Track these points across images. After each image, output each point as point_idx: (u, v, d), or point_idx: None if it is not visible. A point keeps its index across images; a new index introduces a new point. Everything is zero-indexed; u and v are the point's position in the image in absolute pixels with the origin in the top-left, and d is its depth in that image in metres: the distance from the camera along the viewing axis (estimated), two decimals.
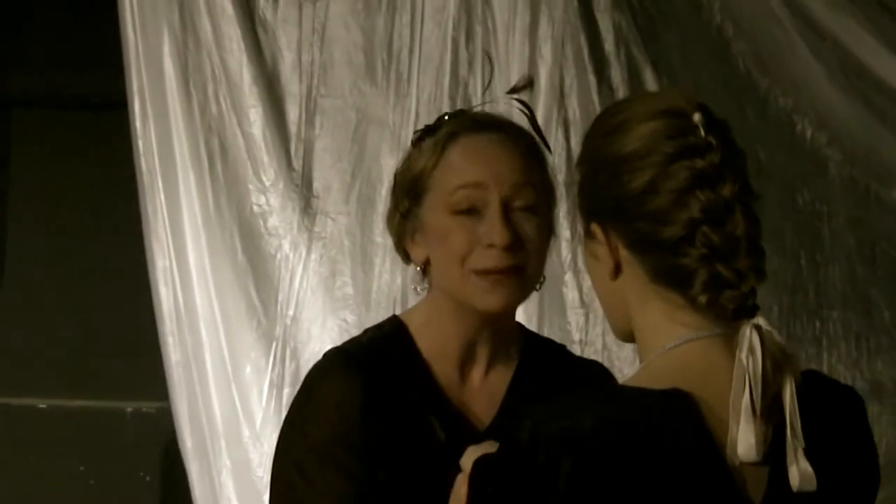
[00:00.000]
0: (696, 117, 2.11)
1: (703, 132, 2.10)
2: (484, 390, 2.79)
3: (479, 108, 2.96)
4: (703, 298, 2.09)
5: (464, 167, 2.71)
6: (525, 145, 2.76)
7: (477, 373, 2.79)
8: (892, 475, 4.31)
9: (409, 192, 2.76)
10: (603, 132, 2.17)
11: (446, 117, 2.82)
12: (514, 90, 2.86)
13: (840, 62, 4.60)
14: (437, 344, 2.78)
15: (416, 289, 2.83)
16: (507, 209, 2.68)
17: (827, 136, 4.66)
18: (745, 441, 2.03)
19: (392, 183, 2.82)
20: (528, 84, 3.06)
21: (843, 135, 4.64)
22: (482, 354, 2.79)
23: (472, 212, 2.69)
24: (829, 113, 4.64)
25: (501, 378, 2.79)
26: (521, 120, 2.87)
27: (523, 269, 2.70)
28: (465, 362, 2.79)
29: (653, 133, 2.11)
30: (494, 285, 2.69)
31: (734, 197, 2.09)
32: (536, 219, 2.72)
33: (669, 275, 2.12)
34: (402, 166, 2.81)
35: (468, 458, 2.26)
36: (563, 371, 2.84)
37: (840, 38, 4.59)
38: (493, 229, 2.66)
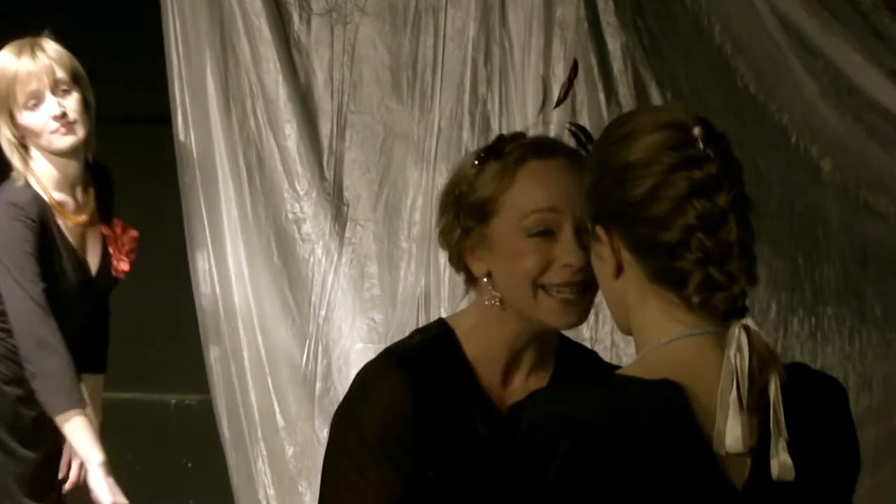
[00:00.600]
0: (696, 131, 2.12)
1: (701, 145, 2.11)
2: (524, 393, 2.61)
3: (531, 132, 2.89)
4: (696, 299, 2.09)
5: (536, 192, 2.66)
6: (578, 170, 2.67)
7: (518, 377, 2.77)
8: (879, 464, 4.37)
9: (475, 212, 2.71)
10: (610, 141, 2.17)
11: (506, 140, 2.77)
12: (560, 100, 2.89)
13: (832, 80, 4.57)
14: (482, 348, 2.75)
15: (487, 300, 2.73)
16: (578, 231, 2.64)
17: (820, 147, 4.64)
18: (732, 433, 2.04)
19: (445, 199, 2.76)
20: (571, 77, 3.04)
21: (835, 147, 4.63)
22: (526, 361, 2.76)
23: (545, 234, 2.65)
24: (822, 127, 4.62)
25: (540, 381, 2.77)
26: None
27: (591, 290, 2.66)
28: (509, 367, 2.76)
29: (656, 144, 2.12)
30: (567, 304, 2.66)
31: (729, 206, 2.10)
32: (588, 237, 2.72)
33: (667, 276, 2.12)
34: (464, 186, 2.74)
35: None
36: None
37: (832, 57, 4.56)
38: (568, 251, 2.63)
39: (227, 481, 4.86)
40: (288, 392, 4.84)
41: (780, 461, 2.05)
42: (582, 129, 2.74)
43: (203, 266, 4.87)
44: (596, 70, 4.73)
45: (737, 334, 2.06)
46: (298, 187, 4.88)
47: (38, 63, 4.15)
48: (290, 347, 4.86)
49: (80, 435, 4.17)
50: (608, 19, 4.77)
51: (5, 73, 4.16)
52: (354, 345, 4.82)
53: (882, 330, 4.63)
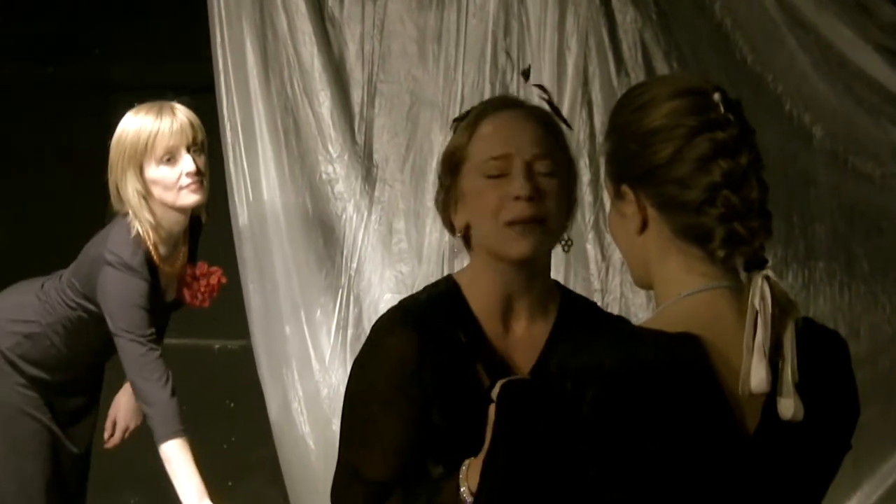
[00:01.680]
0: (716, 96, 2.11)
1: (722, 109, 2.10)
2: (526, 341, 2.77)
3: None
4: (721, 252, 2.08)
5: (493, 140, 2.71)
6: (542, 121, 2.76)
7: (519, 326, 2.77)
8: (866, 405, 4.43)
9: (449, 167, 2.76)
10: (632, 108, 2.15)
11: (473, 107, 2.84)
12: (525, 74, 2.96)
13: (823, 53, 4.60)
14: (482, 300, 2.76)
15: (454, 250, 2.84)
16: (530, 170, 2.68)
17: (812, 115, 4.67)
18: (757, 375, 2.03)
19: (439, 172, 2.83)
20: (525, 73, 3.16)
21: (825, 115, 4.65)
22: (521, 308, 2.76)
23: (501, 176, 2.69)
24: (814, 96, 4.64)
25: (541, 331, 2.77)
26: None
27: (545, 220, 2.69)
28: (507, 316, 2.76)
29: (678, 109, 2.10)
30: (522, 234, 2.67)
31: (749, 165, 2.09)
32: (555, 180, 2.71)
33: (691, 232, 2.10)
34: (444, 150, 2.81)
35: (496, 388, 2.35)
36: (594, 325, 2.80)
37: (823, 32, 4.58)
38: (517, 184, 2.66)
39: (266, 420, 4.86)
40: (322, 338, 4.83)
41: (792, 401, 2.05)
42: (542, 87, 2.88)
43: (244, 221, 4.85)
44: (607, 42, 4.74)
45: (759, 284, 2.05)
46: (332, 150, 4.87)
47: (178, 121, 4.09)
48: (325, 297, 4.85)
49: (179, 463, 4.13)
50: None
51: (144, 127, 4.07)
52: (383, 295, 4.82)
53: (868, 283, 4.65)
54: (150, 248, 4.10)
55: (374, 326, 2.79)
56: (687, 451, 2.05)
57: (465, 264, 2.83)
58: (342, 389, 4.58)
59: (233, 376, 5.38)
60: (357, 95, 4.89)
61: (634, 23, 4.76)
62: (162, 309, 4.22)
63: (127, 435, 4.38)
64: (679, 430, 2.04)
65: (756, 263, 2.07)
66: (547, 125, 2.75)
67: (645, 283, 2.20)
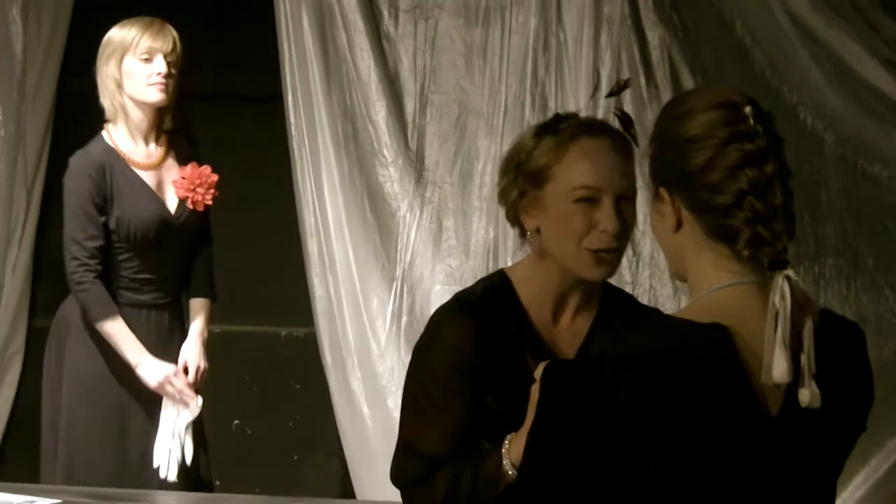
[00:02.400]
0: (747, 109, 2.08)
1: (752, 121, 2.07)
2: (571, 331, 2.75)
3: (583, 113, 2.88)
4: (745, 252, 2.06)
5: (584, 168, 2.64)
6: (626, 151, 2.69)
7: (566, 317, 2.75)
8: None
9: (531, 177, 2.69)
10: (672, 118, 2.13)
11: (561, 118, 2.72)
12: (612, 93, 2.74)
13: (834, 66, 4.60)
14: (535, 294, 2.73)
15: (534, 251, 2.74)
16: (617, 202, 2.63)
17: (823, 123, 4.67)
18: (778, 366, 2.01)
19: (505, 165, 2.74)
20: (624, 86, 3.08)
21: (836, 122, 4.65)
22: (571, 304, 2.74)
23: (589, 200, 2.64)
24: (825, 106, 4.64)
25: (585, 321, 2.75)
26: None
27: (622, 249, 2.68)
28: (557, 309, 2.74)
29: (712, 121, 2.08)
30: (600, 262, 2.65)
31: (774, 174, 2.06)
32: (630, 205, 2.67)
33: (720, 232, 2.08)
34: (523, 155, 2.71)
35: (539, 368, 2.35)
36: (631, 316, 2.75)
37: (834, 47, 4.59)
38: (606, 219, 2.62)
39: (328, 400, 4.97)
40: (378, 325, 4.92)
41: (810, 390, 2.03)
42: (626, 114, 2.72)
43: (309, 220, 4.94)
44: (637, 58, 4.78)
45: (780, 283, 2.04)
46: (387, 155, 4.96)
47: (164, 33, 4.26)
48: (381, 288, 4.94)
49: (118, 334, 4.23)
50: (647, 15, 4.80)
51: (133, 28, 4.25)
52: (434, 286, 4.90)
53: (873, 277, 4.65)
54: (115, 145, 4.26)
55: (433, 316, 2.78)
56: (712, 431, 2.04)
57: (509, 259, 2.89)
58: (397, 372, 4.77)
59: (299, 361, 5.36)
60: (410, 105, 4.98)
61: (662, 40, 4.78)
62: (167, 215, 4.30)
63: (201, 376, 4.39)
64: (706, 412, 2.03)
65: (778, 263, 2.06)
66: (628, 154, 2.70)
67: (680, 276, 2.18)
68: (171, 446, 4.29)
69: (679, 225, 2.12)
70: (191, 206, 4.35)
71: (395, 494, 2.96)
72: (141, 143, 4.31)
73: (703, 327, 2.04)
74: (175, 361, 4.33)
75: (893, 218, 4.68)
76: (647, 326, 2.15)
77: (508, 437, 2.61)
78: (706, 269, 2.11)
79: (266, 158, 5.38)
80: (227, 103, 5.50)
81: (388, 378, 4.87)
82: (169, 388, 4.27)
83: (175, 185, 4.34)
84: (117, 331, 4.25)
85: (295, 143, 4.98)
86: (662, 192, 2.13)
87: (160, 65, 4.22)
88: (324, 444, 5.27)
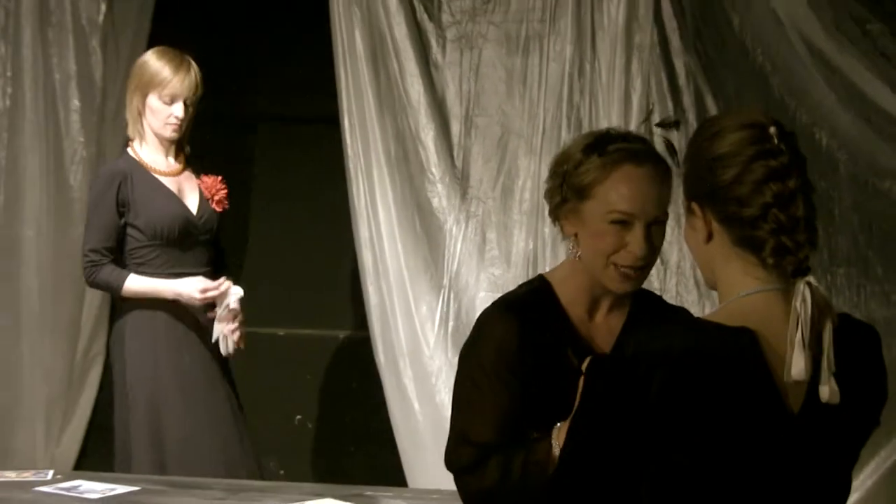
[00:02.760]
0: (772, 129, 2.12)
1: (776, 140, 2.11)
2: (605, 328, 2.78)
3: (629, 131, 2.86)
4: (770, 260, 2.10)
5: (623, 194, 2.65)
6: (664, 175, 2.70)
7: (600, 316, 2.79)
8: None
9: (576, 190, 2.71)
10: (704, 138, 2.17)
11: (612, 138, 2.73)
12: (661, 125, 2.83)
13: (847, 90, 4.61)
14: (572, 295, 2.77)
15: (571, 248, 2.75)
16: (648, 228, 2.66)
17: (837, 143, 4.70)
18: (797, 365, 2.05)
19: (554, 168, 2.75)
20: (674, 124, 2.97)
21: (849, 143, 4.68)
22: (605, 303, 2.78)
23: (623, 223, 2.66)
24: (839, 127, 4.67)
25: (618, 320, 2.79)
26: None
27: (649, 267, 2.72)
28: (592, 309, 2.78)
29: (740, 140, 2.11)
30: (625, 278, 2.69)
31: (797, 188, 2.10)
32: (661, 229, 2.69)
33: (747, 242, 2.11)
34: (569, 166, 2.72)
35: (585, 362, 2.45)
36: (661, 315, 2.83)
37: (846, 73, 4.60)
38: (637, 243, 2.65)
39: (382, 397, 5.02)
40: (427, 329, 4.97)
41: (830, 387, 2.07)
42: (671, 143, 2.84)
43: (364, 233, 5.00)
44: (665, 83, 4.81)
45: (802, 289, 2.07)
46: (435, 173, 5.01)
47: (189, 78, 4.43)
48: (430, 295, 4.98)
49: (141, 282, 4.39)
50: (674, 44, 4.83)
51: (162, 72, 4.43)
52: (478, 293, 4.94)
53: (882, 284, 4.70)
54: (138, 157, 4.46)
55: (480, 316, 2.80)
56: (739, 426, 2.07)
57: (547, 268, 2.90)
58: (444, 371, 4.84)
59: (355, 361, 5.41)
60: (456, 127, 5.02)
61: (688, 67, 4.81)
62: (190, 216, 4.46)
63: (237, 332, 4.46)
64: (732, 408, 2.06)
65: (800, 271, 2.09)
66: (667, 181, 2.70)
67: (711, 284, 2.20)
68: (224, 327, 4.42)
69: (710, 237, 2.16)
70: (213, 206, 4.53)
71: (443, 483, 3.11)
72: (161, 155, 4.51)
73: (731, 330, 2.07)
74: (208, 350, 4.47)
75: None
76: (679, 328, 2.18)
77: (558, 424, 2.65)
78: (735, 277, 2.14)
79: (325, 177, 5.40)
80: (290, 126, 5.57)
81: (437, 377, 4.91)
82: (212, 292, 4.42)
83: (202, 186, 4.54)
84: (141, 283, 4.42)
85: (351, 163, 5.03)
86: (694, 206, 2.17)
87: (179, 109, 4.44)
88: (378, 437, 5.29)
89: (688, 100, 4.84)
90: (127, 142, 4.52)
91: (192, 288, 4.39)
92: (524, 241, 4.96)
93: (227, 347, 4.42)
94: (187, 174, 4.54)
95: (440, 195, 5.04)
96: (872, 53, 4.60)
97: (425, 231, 5.03)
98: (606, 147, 2.70)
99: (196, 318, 4.47)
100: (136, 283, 4.40)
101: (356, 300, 5.14)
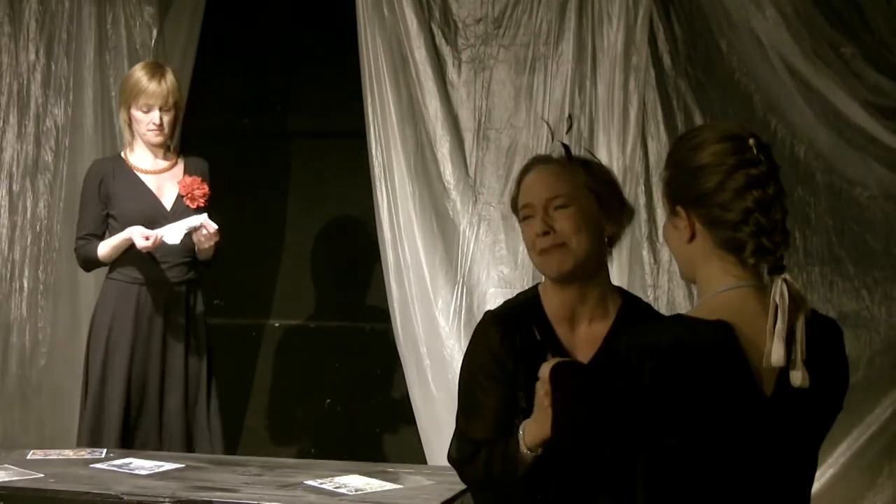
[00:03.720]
0: (751, 141, 2.12)
1: (755, 151, 2.11)
2: (587, 339, 2.76)
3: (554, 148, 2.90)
4: (751, 260, 2.10)
5: (524, 193, 2.76)
6: (560, 165, 2.76)
7: (582, 326, 2.77)
8: (852, 373, 4.04)
9: (513, 207, 2.84)
10: (688, 147, 2.17)
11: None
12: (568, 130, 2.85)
13: (822, 107, 4.60)
14: (554, 306, 2.78)
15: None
16: (545, 212, 2.71)
17: (814, 154, 4.70)
18: (776, 353, 2.05)
19: None
20: (569, 125, 2.97)
21: (824, 154, 4.68)
22: (581, 313, 2.77)
23: (529, 218, 2.75)
24: (815, 140, 4.66)
25: (601, 329, 2.77)
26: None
27: (565, 244, 2.70)
28: (571, 319, 2.77)
29: (722, 150, 2.12)
30: (548, 258, 2.72)
31: (775, 194, 2.11)
32: (569, 210, 2.71)
33: (729, 244, 2.12)
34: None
35: (544, 368, 2.44)
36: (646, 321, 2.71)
37: (822, 92, 4.58)
38: (538, 222, 2.72)
39: (404, 383, 5.03)
40: (443, 320, 4.96)
41: (801, 373, 2.07)
42: (566, 145, 2.81)
43: (388, 235, 5.01)
44: (658, 102, 4.82)
45: (779, 284, 2.07)
46: (450, 181, 5.00)
47: (161, 87, 4.46)
48: (445, 290, 4.97)
49: (108, 242, 4.44)
50: (667, 65, 4.83)
51: (138, 84, 4.47)
52: (489, 289, 4.92)
53: (853, 282, 4.68)
54: (128, 158, 4.52)
55: (476, 326, 2.84)
56: (720, 407, 2.07)
57: None
58: (457, 358, 4.74)
59: (379, 350, 5.39)
60: (469, 140, 5.01)
61: (678, 87, 4.82)
62: (162, 209, 4.48)
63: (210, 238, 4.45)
64: (714, 393, 2.07)
65: (777, 269, 2.10)
66: (562, 169, 2.75)
67: (690, 279, 2.21)
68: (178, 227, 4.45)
69: (693, 237, 2.16)
70: (186, 203, 4.52)
71: None
72: (149, 156, 4.57)
73: (711, 324, 2.08)
74: (184, 337, 4.51)
75: (870, 232, 4.69)
76: (665, 324, 2.22)
77: (522, 424, 2.66)
78: (714, 274, 2.14)
79: (352, 185, 5.43)
80: (320, 140, 5.59)
81: (452, 364, 4.89)
82: (151, 238, 4.39)
83: (179, 185, 4.55)
84: (105, 244, 4.49)
85: (376, 172, 5.04)
86: (679, 209, 2.16)
87: (155, 117, 4.48)
88: (400, 419, 5.30)
89: (679, 116, 4.85)
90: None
91: (136, 232, 4.42)
92: None
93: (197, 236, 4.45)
94: (174, 173, 4.56)
95: (455, 201, 5.03)
96: (846, 74, 4.58)
97: (442, 233, 5.03)
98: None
99: (167, 303, 4.50)
100: (103, 247, 4.47)
101: (380, 295, 5.14)
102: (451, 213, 5.01)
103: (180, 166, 4.59)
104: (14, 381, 5.18)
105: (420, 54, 5.01)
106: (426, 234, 5.01)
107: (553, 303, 2.78)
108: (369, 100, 5.03)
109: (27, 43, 5.28)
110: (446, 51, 5.02)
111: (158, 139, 4.50)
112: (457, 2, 4.99)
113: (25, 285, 5.17)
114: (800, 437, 2.15)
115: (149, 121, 4.47)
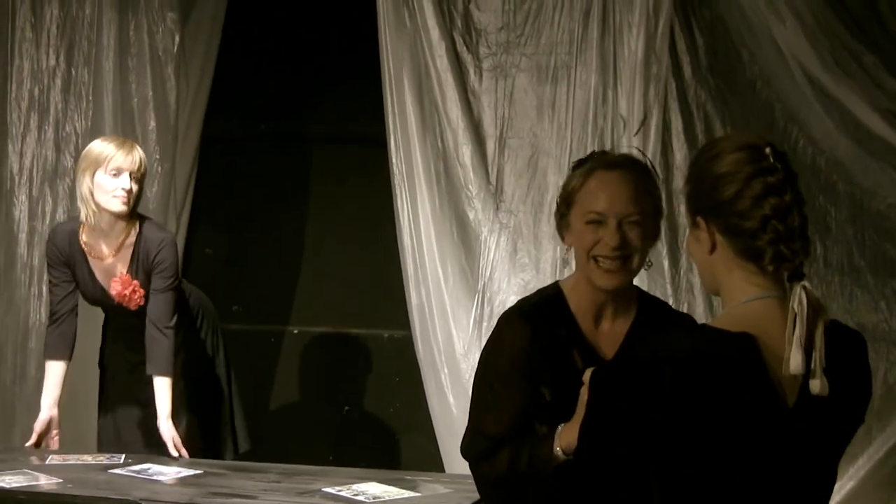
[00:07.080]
0: (767, 150, 2.12)
1: (772, 159, 2.11)
2: (611, 335, 2.78)
3: (616, 151, 2.94)
4: (770, 267, 2.09)
5: (596, 196, 2.72)
6: (636, 178, 2.74)
7: (606, 322, 2.78)
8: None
9: (566, 199, 2.78)
10: (705, 158, 2.17)
11: (593, 155, 2.82)
12: (638, 132, 2.83)
13: (843, 117, 4.63)
14: (579, 302, 2.77)
15: (566, 260, 2.85)
16: (620, 224, 2.70)
17: (834, 164, 4.72)
18: (794, 361, 2.04)
19: (560, 192, 2.82)
20: (641, 123, 2.96)
21: (845, 164, 4.70)
22: (608, 310, 2.78)
23: (597, 222, 2.72)
24: (836, 150, 4.69)
25: (623, 326, 2.78)
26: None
27: (629, 258, 2.72)
28: (598, 316, 2.78)
29: (739, 159, 2.12)
30: (607, 272, 2.71)
31: (792, 202, 2.10)
32: (639, 228, 2.72)
33: (748, 252, 2.10)
34: (565, 183, 2.81)
35: (587, 373, 2.43)
36: (666, 321, 2.83)
37: (843, 102, 4.61)
38: (610, 235, 2.70)
39: (422, 390, 5.04)
40: (463, 329, 4.98)
41: (820, 381, 2.06)
42: (642, 152, 2.85)
43: (407, 242, 5.04)
44: (678, 109, 4.86)
45: (798, 292, 2.06)
46: (472, 189, 5.02)
47: (133, 155, 4.29)
48: (465, 298, 4.98)
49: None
50: (688, 74, 4.87)
51: (107, 149, 4.29)
52: (509, 297, 4.88)
53: (872, 293, 4.72)
54: (82, 235, 4.34)
55: (498, 321, 2.82)
56: (741, 419, 2.06)
57: (571, 272, 2.82)
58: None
59: (398, 358, 5.43)
60: (491, 148, 5.03)
61: (699, 97, 4.85)
62: (108, 299, 4.39)
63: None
64: (735, 403, 2.06)
65: (796, 276, 2.09)
66: (639, 179, 2.74)
67: (713, 290, 2.18)
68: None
69: (713, 248, 2.14)
70: (125, 305, 4.35)
71: None
72: (101, 241, 4.35)
73: (733, 335, 2.07)
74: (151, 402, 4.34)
75: (890, 241, 4.72)
76: (687, 334, 2.16)
77: (560, 426, 2.66)
78: (736, 284, 2.13)
79: (373, 192, 5.44)
80: (341, 147, 5.60)
81: (470, 374, 4.52)
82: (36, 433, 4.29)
83: (112, 289, 4.36)
84: (46, 372, 4.42)
85: (396, 180, 5.06)
86: (699, 220, 2.15)
87: (125, 181, 4.26)
88: (418, 427, 5.30)
89: (699, 126, 4.87)
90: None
91: (38, 421, 4.37)
92: (552, 251, 4.96)
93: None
94: (123, 256, 4.37)
95: (476, 208, 5.03)
96: (866, 84, 4.59)
97: (462, 240, 5.02)
98: (587, 160, 2.79)
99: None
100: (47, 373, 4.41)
101: (399, 303, 5.14)
102: (471, 221, 5.01)
103: (133, 237, 4.38)
104: (33, 385, 5.20)
105: (441, 62, 5.02)
106: (446, 242, 5.02)
107: (582, 300, 2.78)
108: (390, 107, 5.05)
109: (48, 49, 5.33)
110: (468, 59, 5.03)
111: (123, 208, 4.28)
112: (478, 10, 5.01)
113: (44, 290, 5.18)
114: (821, 448, 2.15)
115: (116, 186, 4.26)
